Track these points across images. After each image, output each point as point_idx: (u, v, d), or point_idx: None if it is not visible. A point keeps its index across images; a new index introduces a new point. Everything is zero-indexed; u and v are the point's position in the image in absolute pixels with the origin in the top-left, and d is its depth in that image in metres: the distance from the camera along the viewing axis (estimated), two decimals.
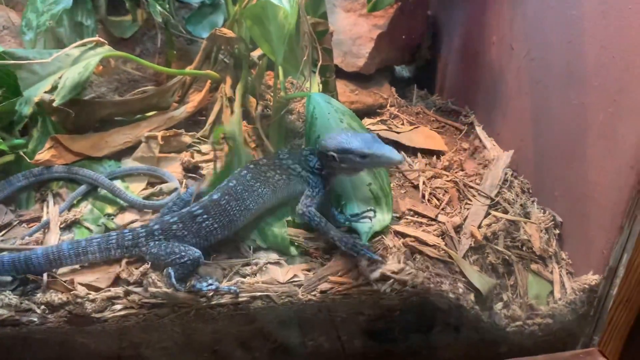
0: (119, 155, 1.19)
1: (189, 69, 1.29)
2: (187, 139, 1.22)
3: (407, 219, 1.12)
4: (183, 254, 0.92)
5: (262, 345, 0.98)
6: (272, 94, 1.39)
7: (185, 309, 0.91)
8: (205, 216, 0.96)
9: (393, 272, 0.97)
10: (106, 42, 1.12)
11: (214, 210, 0.97)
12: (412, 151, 1.35)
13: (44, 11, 1.19)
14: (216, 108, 1.25)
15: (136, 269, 0.93)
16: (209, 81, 1.29)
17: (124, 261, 0.95)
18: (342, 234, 0.99)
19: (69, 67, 1.09)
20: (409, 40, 1.69)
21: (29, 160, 1.07)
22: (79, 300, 0.88)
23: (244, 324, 0.95)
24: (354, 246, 0.97)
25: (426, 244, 1.06)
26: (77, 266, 0.94)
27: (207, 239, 0.98)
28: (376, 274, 0.96)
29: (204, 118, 1.30)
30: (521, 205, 1.20)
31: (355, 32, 1.57)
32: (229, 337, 0.96)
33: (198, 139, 1.25)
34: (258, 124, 1.26)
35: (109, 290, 0.90)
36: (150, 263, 0.93)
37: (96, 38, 1.11)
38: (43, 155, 1.10)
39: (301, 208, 1.01)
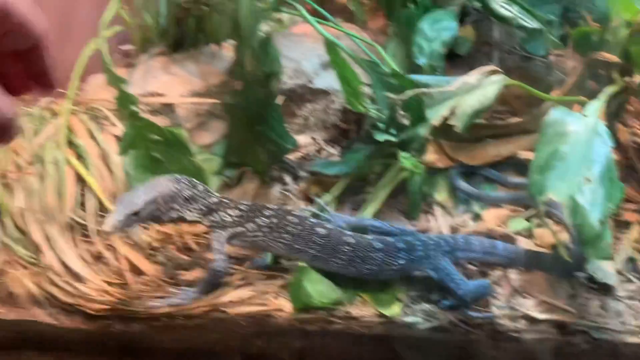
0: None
1: (556, 95, 1.30)
2: None
3: None
4: None
5: None
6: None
7: None
8: None
9: None
10: (502, 71, 1.18)
11: None
12: None
13: (433, 38, 1.31)
14: None
15: None
16: (578, 106, 1.29)
17: None
18: None
19: (466, 94, 1.18)
20: None
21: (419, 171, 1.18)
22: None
23: None
24: None
25: None
26: None
27: None
28: None
29: None
30: None
31: None
32: None
33: None
34: (631, 153, 1.23)
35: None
36: None
37: (493, 67, 1.18)
38: (428, 158, 1.23)
39: None
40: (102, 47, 1.19)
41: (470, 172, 1.26)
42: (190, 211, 1.01)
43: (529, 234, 1.13)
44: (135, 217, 0.94)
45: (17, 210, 1.14)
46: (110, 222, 0.93)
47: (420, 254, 1.01)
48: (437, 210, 1.20)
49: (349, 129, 1.40)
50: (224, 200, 1.05)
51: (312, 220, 1.04)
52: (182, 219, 1.02)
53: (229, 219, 1.02)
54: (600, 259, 0.94)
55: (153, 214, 0.97)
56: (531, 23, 1.21)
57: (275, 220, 1.02)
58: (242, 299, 1.02)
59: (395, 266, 1.00)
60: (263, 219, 1.02)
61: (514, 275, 1.03)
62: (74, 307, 1.06)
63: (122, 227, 0.94)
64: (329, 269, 1.02)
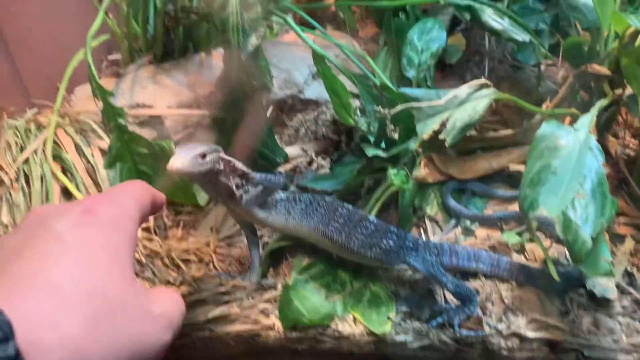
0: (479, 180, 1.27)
1: (547, 107, 1.29)
2: None
3: None
4: None
5: None
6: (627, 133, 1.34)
7: None
8: None
9: None
10: (492, 83, 1.17)
11: None
12: None
13: (422, 49, 1.30)
14: None
15: None
16: (569, 118, 1.28)
17: None
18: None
19: (456, 108, 1.17)
20: None
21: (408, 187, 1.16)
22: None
23: None
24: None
25: None
26: None
27: None
28: None
29: None
30: None
31: None
32: None
33: None
34: (621, 164, 1.23)
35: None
36: None
37: (483, 80, 1.17)
38: (419, 173, 1.20)
39: None
40: (88, 59, 1.16)
41: (462, 188, 1.25)
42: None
43: (520, 249, 1.12)
44: (202, 161, 0.86)
45: (1, 226, 1.11)
46: (177, 161, 0.82)
47: (410, 246, 1.03)
48: (428, 224, 1.19)
49: (340, 140, 1.38)
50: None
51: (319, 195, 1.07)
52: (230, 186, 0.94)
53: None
54: (600, 275, 0.93)
55: (217, 169, 0.90)
56: (521, 36, 1.20)
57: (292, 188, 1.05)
58: (229, 315, 1.00)
59: (383, 246, 1.01)
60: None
61: (505, 292, 1.02)
62: None
63: (189, 169, 0.84)
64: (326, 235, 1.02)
